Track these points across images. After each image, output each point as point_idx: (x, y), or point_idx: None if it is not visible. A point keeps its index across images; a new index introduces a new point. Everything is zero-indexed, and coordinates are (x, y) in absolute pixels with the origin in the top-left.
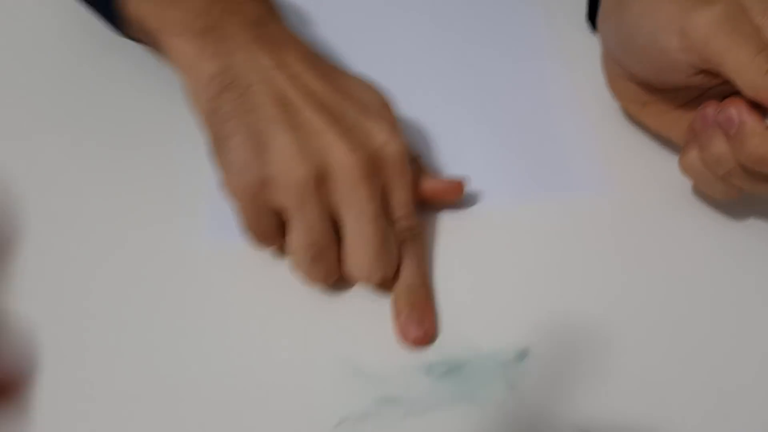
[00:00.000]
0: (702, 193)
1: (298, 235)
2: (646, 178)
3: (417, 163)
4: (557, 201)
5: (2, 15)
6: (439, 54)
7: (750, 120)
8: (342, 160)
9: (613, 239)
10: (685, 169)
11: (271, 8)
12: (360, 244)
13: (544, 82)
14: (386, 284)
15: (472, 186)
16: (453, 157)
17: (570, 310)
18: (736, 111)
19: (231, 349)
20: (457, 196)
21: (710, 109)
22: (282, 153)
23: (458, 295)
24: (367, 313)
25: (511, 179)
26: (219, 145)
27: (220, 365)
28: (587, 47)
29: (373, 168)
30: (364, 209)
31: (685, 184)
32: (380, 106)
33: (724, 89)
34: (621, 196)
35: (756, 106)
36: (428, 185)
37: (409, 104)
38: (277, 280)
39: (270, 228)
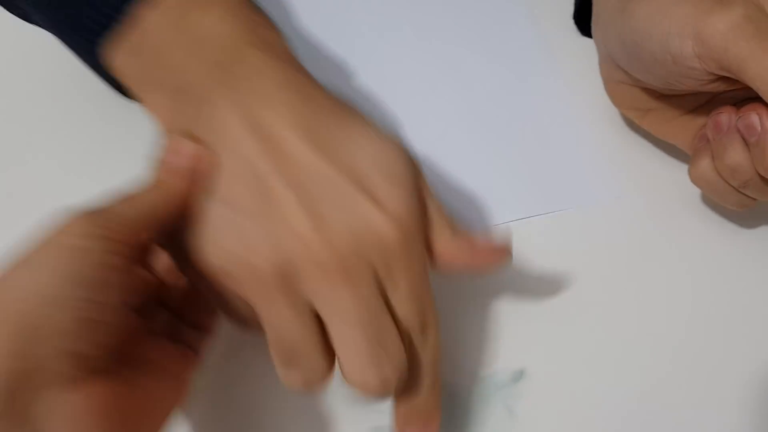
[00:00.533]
0: (711, 199)
1: (267, 333)
2: (649, 183)
3: (446, 227)
4: (552, 215)
5: None
6: (432, 70)
7: None
8: (308, 253)
9: (613, 252)
10: (696, 178)
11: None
12: (349, 352)
13: (538, 90)
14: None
15: (463, 205)
16: (454, 175)
17: (565, 327)
18: (757, 118)
19: (231, 387)
20: (494, 262)
21: (725, 116)
22: (242, 238)
23: (452, 317)
24: None
25: (507, 194)
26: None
27: (222, 403)
28: (579, 50)
29: (360, 260)
30: (349, 311)
31: (691, 188)
32: (389, 169)
33: (735, 93)
34: (621, 206)
35: None
36: (450, 249)
37: (405, 123)
38: None
39: (239, 313)
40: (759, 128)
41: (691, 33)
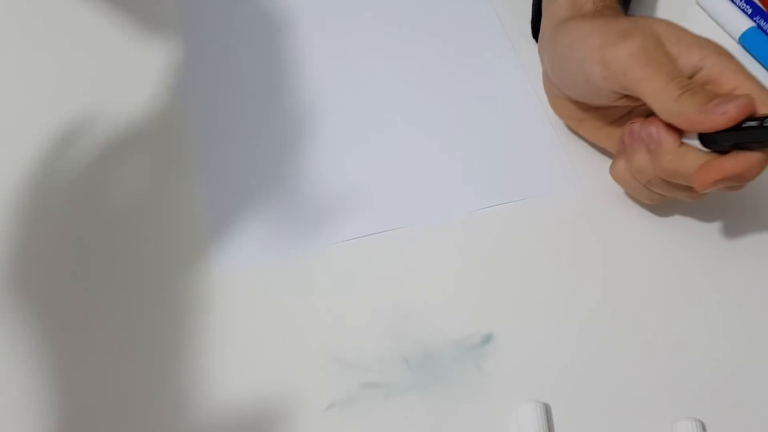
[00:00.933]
0: None
1: None
2: (597, 178)
3: None
4: (519, 203)
5: None
6: (405, 70)
7: (666, 138)
8: None
9: (568, 235)
10: (615, 177)
11: None
12: None
13: (504, 94)
14: None
15: (441, 193)
16: (424, 168)
17: (528, 298)
18: (655, 129)
19: (236, 352)
20: None
21: (636, 126)
22: None
23: (430, 290)
24: (350, 311)
25: (478, 185)
26: None
27: (229, 366)
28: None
29: None
30: None
31: None
32: None
33: (648, 108)
34: (577, 197)
35: (673, 125)
36: None
37: (381, 120)
38: (273, 297)
39: None
40: (656, 138)
41: (599, 59)
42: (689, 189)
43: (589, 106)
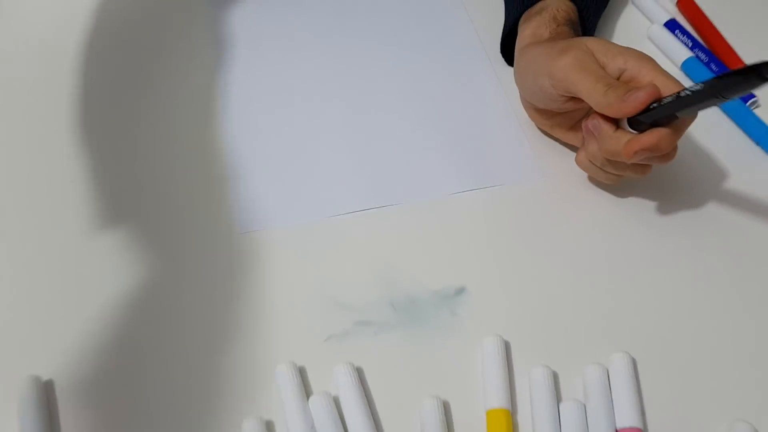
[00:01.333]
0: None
1: None
2: (565, 166)
3: None
4: (494, 187)
5: None
6: (400, 82)
7: (605, 127)
8: None
9: (535, 210)
10: (578, 163)
11: None
12: None
13: (483, 102)
14: None
15: (428, 179)
16: (415, 159)
17: (495, 259)
18: (597, 121)
19: (256, 297)
20: None
21: (588, 121)
22: None
23: (415, 252)
24: (348, 266)
25: (460, 173)
26: None
27: (251, 305)
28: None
29: None
30: None
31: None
32: None
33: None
34: (545, 182)
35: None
36: None
37: (374, 119)
38: (285, 255)
39: None
40: (598, 127)
41: (546, 71)
42: (631, 166)
43: (553, 112)
